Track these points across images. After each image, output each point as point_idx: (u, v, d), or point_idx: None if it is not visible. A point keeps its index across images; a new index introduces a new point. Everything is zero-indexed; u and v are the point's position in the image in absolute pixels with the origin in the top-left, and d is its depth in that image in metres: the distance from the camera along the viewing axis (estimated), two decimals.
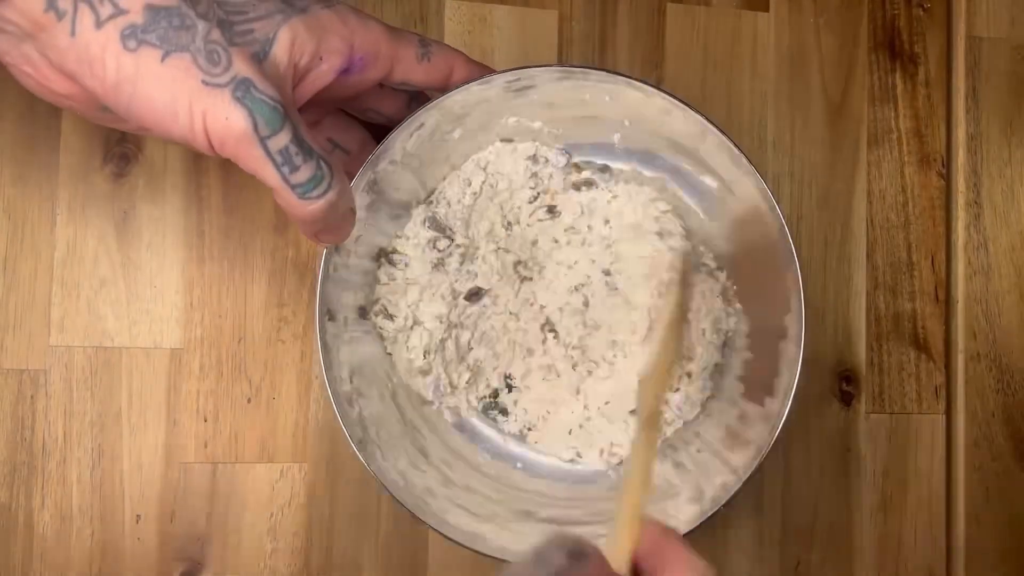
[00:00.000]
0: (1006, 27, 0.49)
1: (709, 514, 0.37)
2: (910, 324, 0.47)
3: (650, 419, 0.32)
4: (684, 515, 0.38)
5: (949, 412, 0.47)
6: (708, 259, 0.42)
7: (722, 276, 0.42)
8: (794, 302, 0.37)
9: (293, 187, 0.29)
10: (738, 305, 0.42)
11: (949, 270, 0.48)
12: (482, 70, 0.36)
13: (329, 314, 0.37)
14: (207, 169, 0.42)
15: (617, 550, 0.27)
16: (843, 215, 0.47)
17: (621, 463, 0.42)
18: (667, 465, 0.41)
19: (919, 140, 0.48)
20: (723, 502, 0.37)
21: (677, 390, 0.42)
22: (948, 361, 0.48)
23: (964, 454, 0.47)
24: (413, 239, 0.40)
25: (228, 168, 0.42)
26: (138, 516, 0.41)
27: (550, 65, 0.41)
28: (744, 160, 0.37)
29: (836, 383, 0.46)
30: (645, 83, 0.36)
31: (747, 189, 0.38)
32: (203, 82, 0.28)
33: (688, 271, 0.40)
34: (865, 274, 0.47)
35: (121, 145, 0.41)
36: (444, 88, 0.35)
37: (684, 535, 0.36)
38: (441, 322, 0.41)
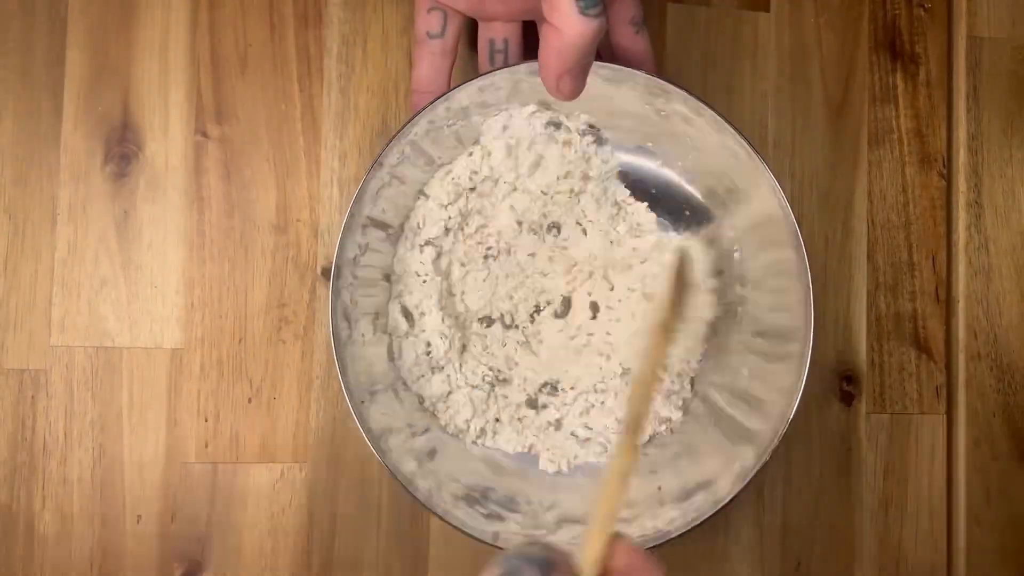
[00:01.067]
0: (1007, 27, 0.49)
1: (709, 514, 0.37)
2: (911, 324, 0.47)
3: (635, 423, 0.31)
4: (687, 513, 0.38)
5: (950, 412, 0.47)
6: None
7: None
8: (803, 303, 0.37)
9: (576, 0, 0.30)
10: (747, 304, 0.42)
11: (950, 270, 0.48)
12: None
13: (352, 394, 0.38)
14: (207, 169, 0.42)
15: (587, 559, 0.25)
16: (844, 215, 0.47)
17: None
18: (668, 462, 0.41)
19: (920, 140, 0.48)
20: (725, 502, 0.37)
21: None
22: (949, 361, 0.48)
23: (965, 454, 0.47)
24: None
25: (228, 168, 0.42)
26: (139, 516, 0.41)
27: None
28: (767, 169, 0.37)
29: (837, 383, 0.46)
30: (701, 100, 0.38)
31: (764, 195, 0.38)
32: None
33: (685, 272, 0.39)
34: (866, 274, 0.47)
35: (121, 145, 0.41)
36: None
37: (687, 532, 0.37)
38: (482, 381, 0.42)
